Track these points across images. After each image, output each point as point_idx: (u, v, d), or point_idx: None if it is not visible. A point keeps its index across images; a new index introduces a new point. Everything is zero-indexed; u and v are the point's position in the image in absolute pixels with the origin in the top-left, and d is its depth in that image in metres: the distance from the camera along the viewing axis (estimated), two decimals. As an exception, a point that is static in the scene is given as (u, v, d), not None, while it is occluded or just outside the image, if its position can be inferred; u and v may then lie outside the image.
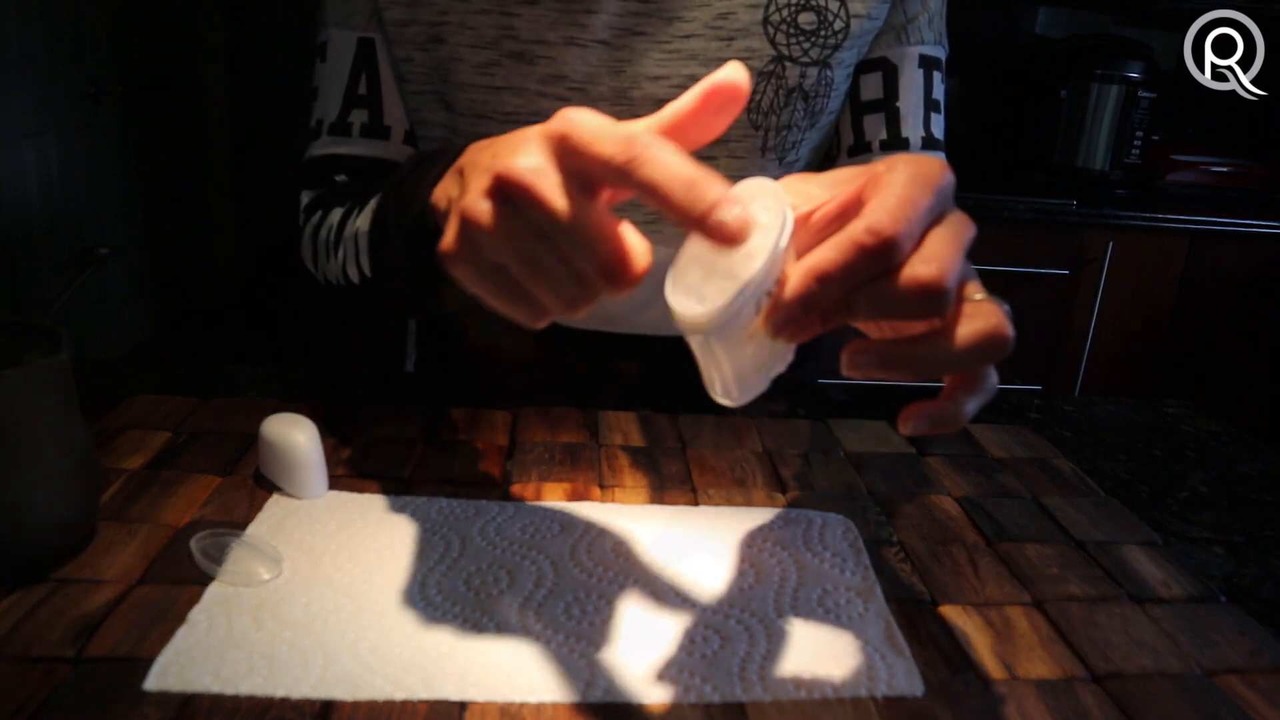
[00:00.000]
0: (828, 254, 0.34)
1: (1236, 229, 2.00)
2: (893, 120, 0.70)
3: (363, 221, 0.57)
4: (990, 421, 0.72)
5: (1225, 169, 2.24)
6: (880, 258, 0.33)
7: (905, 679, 0.41)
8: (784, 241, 0.35)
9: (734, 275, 0.35)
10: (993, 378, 0.37)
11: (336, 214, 0.63)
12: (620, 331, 0.79)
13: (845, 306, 0.35)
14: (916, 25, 0.70)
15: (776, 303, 0.35)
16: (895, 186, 0.35)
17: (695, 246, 0.37)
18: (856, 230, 0.33)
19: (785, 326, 0.35)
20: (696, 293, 0.36)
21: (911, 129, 0.70)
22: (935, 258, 0.34)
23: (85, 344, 2.67)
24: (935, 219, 0.35)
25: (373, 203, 0.56)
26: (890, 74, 0.70)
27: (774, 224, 0.35)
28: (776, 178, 0.73)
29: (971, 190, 1.94)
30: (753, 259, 0.34)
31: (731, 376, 0.38)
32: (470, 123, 0.67)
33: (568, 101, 0.65)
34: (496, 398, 0.68)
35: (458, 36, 0.64)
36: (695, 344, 0.38)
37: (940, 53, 0.72)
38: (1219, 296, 2.06)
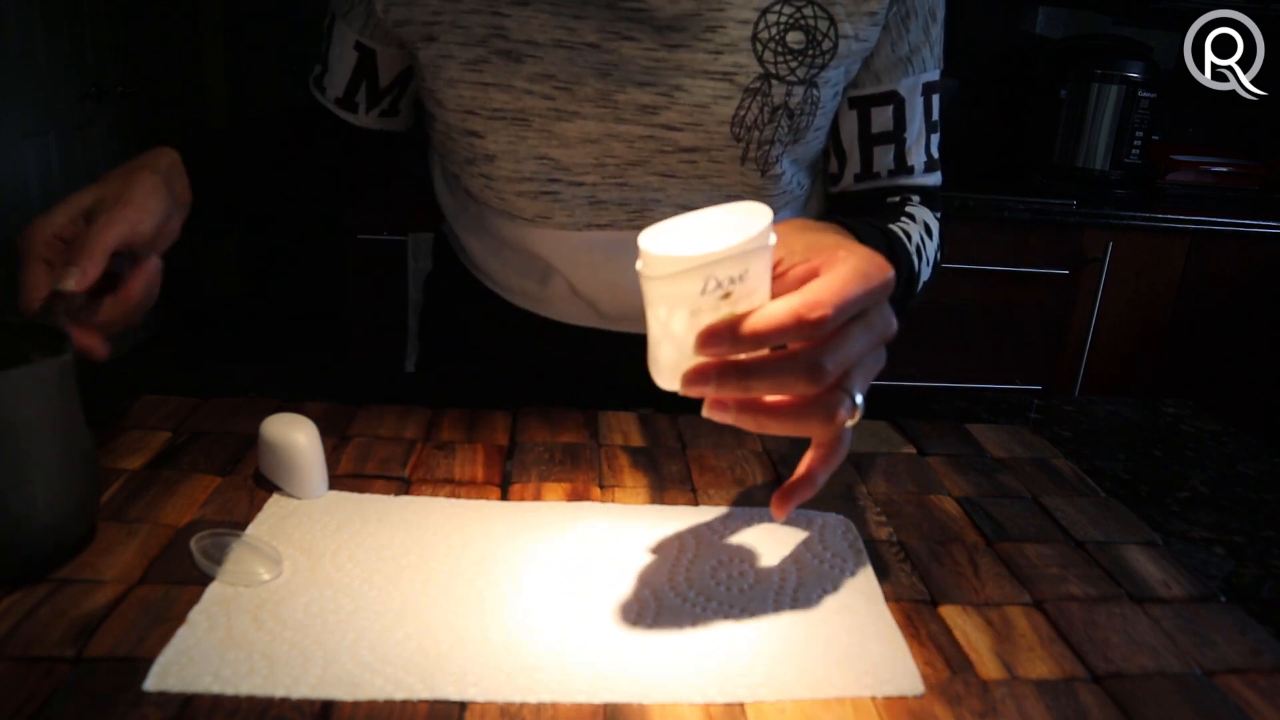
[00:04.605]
0: (771, 312, 0.40)
1: (1236, 229, 2.00)
2: (899, 150, 0.74)
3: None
4: (990, 421, 0.72)
5: (1225, 169, 2.24)
6: (808, 329, 0.39)
7: (905, 679, 0.41)
8: (765, 242, 0.40)
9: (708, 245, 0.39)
10: (845, 448, 0.45)
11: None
12: (621, 331, 0.79)
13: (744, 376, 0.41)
14: (921, 56, 0.71)
15: (714, 326, 0.40)
16: (840, 272, 0.41)
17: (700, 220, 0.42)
18: (796, 301, 0.40)
19: (705, 346, 0.40)
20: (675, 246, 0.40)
21: (916, 157, 0.74)
22: (846, 360, 0.41)
23: (85, 344, 2.66)
24: (862, 312, 0.42)
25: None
26: (899, 107, 0.72)
27: (760, 233, 0.39)
28: (759, 187, 0.75)
29: (971, 190, 1.94)
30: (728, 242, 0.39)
31: (675, 354, 0.42)
32: (459, 118, 0.69)
33: (553, 101, 0.66)
34: (496, 398, 0.68)
35: (449, 35, 0.66)
36: (655, 315, 0.41)
37: (939, 73, 0.74)
38: (1219, 296, 2.06)
